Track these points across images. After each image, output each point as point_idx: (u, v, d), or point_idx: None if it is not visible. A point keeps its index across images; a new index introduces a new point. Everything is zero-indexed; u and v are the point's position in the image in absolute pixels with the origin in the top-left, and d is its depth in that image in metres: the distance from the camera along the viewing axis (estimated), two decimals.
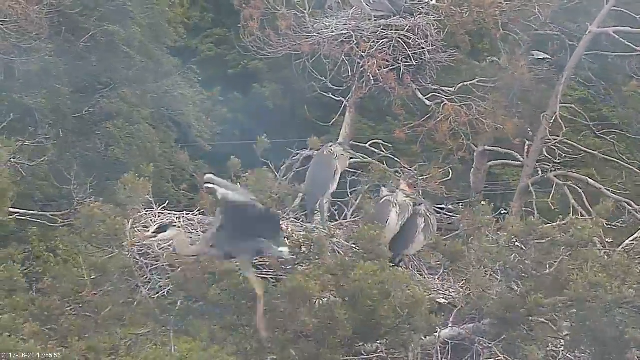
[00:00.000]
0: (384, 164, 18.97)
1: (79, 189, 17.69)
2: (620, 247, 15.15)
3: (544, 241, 13.89)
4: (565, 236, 13.93)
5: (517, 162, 20.78)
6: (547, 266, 13.89)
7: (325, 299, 12.95)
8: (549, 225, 14.44)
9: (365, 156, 18.84)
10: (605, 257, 14.29)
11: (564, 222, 14.40)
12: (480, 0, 18.88)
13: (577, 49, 19.51)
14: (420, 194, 18.00)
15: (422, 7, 19.39)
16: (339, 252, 13.98)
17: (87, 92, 22.56)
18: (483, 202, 15.92)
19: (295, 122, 25.25)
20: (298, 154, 17.40)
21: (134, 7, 22.20)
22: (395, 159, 19.08)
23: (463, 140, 19.39)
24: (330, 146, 15.83)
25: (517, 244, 14.05)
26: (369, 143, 19.49)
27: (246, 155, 16.66)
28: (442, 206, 18.50)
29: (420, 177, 18.55)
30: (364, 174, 17.32)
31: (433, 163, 19.38)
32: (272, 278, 13.63)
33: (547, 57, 20.24)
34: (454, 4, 19.19)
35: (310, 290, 12.68)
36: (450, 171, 19.64)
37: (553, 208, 18.89)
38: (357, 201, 16.19)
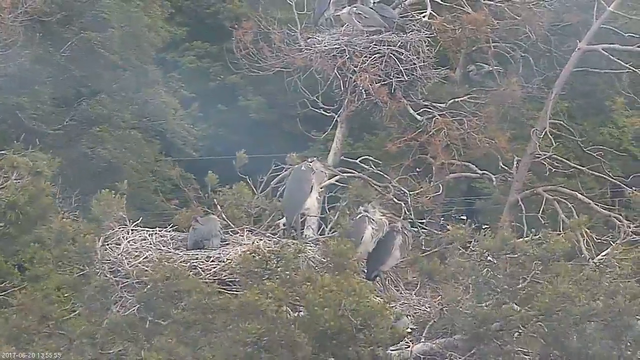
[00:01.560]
0: (372, 180, 19.19)
1: (64, 202, 17.57)
2: (593, 260, 15.32)
3: (516, 255, 13.99)
4: (537, 250, 14.03)
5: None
6: (521, 280, 13.97)
7: (281, 314, 12.96)
8: (520, 239, 14.55)
9: (352, 171, 19.04)
10: (580, 270, 14.40)
11: (536, 236, 14.51)
12: (473, 17, 19.03)
13: (566, 65, 19.70)
14: (410, 210, 18.24)
15: (413, 24, 19.55)
16: (310, 266, 14.04)
17: (67, 101, 22.43)
18: (462, 217, 16.01)
19: (282, 136, 25.28)
20: (278, 169, 17.43)
21: (111, 14, 22.10)
22: (385, 175, 19.23)
23: (455, 154, 19.53)
24: (310, 162, 15.82)
25: (489, 258, 14.09)
26: (359, 159, 19.62)
27: (229, 169, 16.71)
28: (424, 221, 18.70)
29: (411, 193, 18.74)
30: (342, 190, 17.41)
31: (422, 180, 19.49)
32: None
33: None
34: (446, 21, 19.35)
35: (262, 306, 12.66)
36: (441, 187, 19.87)
37: (543, 223, 19.01)
38: (335, 217, 16.25)
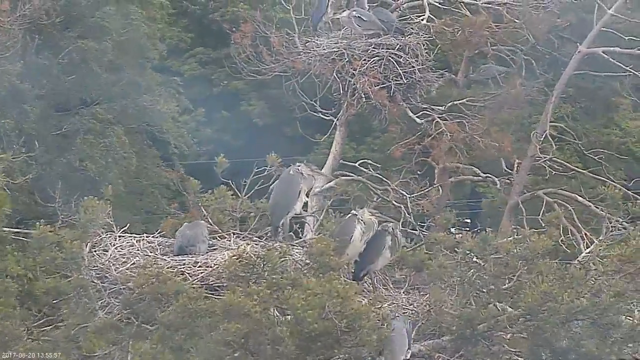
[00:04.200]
0: (372, 183, 19.14)
1: (64, 207, 17.54)
2: (577, 259, 15.18)
3: (500, 255, 13.92)
4: (520, 249, 13.93)
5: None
6: (506, 280, 13.90)
7: (267, 316, 12.86)
8: (503, 240, 14.47)
9: (351, 174, 18.98)
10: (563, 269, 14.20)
11: (519, 235, 14.46)
12: (472, 20, 18.98)
13: (566, 68, 19.63)
14: (410, 213, 18.20)
15: (412, 27, 19.52)
16: (297, 269, 13.88)
17: (63, 108, 22.40)
18: (465, 220, 15.94)
19: (284, 139, 25.26)
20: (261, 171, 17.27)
21: (110, 22, 22.10)
22: (384, 178, 19.18)
23: (459, 157, 19.49)
24: (298, 166, 15.78)
25: (474, 259, 14.02)
26: (358, 163, 19.57)
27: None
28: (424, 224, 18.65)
29: (411, 196, 18.70)
30: (327, 192, 17.36)
31: (424, 183, 19.45)
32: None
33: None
34: (445, 24, 19.31)
35: (245, 308, 12.56)
36: (441, 190, 19.83)
37: (543, 225, 18.91)
38: (320, 218, 16.22)
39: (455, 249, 14.42)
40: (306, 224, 16.60)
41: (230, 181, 15.80)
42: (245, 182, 15.69)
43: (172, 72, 27.58)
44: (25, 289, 14.50)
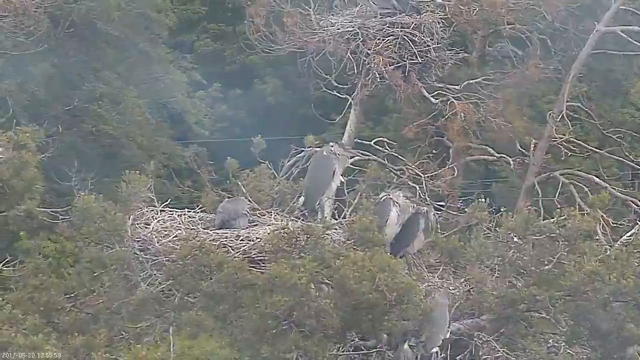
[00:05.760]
0: (388, 162, 19.03)
1: (80, 184, 17.49)
2: (619, 241, 15.16)
3: (541, 236, 13.90)
4: (562, 230, 13.95)
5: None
6: (547, 261, 13.88)
7: (313, 290, 12.93)
8: (546, 220, 14.44)
9: (368, 153, 18.87)
10: (605, 250, 14.29)
11: (561, 216, 14.38)
12: None
13: (584, 48, 19.44)
14: (426, 192, 18.11)
15: (427, 5, 19.33)
16: (334, 244, 13.91)
17: (75, 82, 22.34)
18: (481, 199, 15.86)
19: (297, 119, 25.12)
20: (300, 152, 17.30)
21: None
22: (400, 157, 19.07)
23: (472, 137, 19.36)
24: (331, 146, 15.73)
25: (515, 239, 14.04)
26: (373, 141, 19.46)
27: (247, 152, 16.61)
28: (443, 204, 18.54)
29: (427, 176, 18.59)
30: (361, 174, 17.27)
31: (439, 163, 19.34)
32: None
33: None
34: (461, 3, 19.10)
35: (292, 280, 12.65)
36: (456, 170, 19.70)
37: (559, 207, 18.78)
38: (355, 200, 16.09)
39: (493, 228, 14.46)
40: (325, 205, 16.56)
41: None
42: (282, 162, 16.15)
43: (185, 48, 27.46)
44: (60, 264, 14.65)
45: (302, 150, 17.16)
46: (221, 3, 28.71)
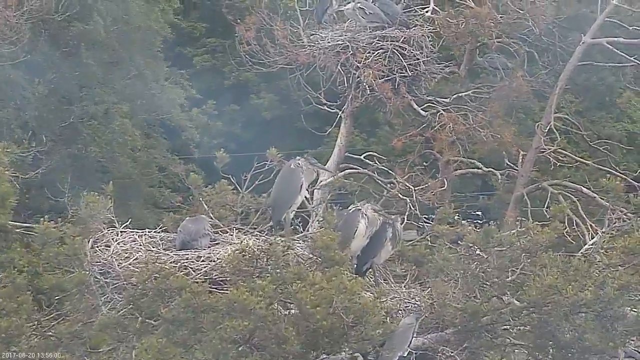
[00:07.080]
0: (377, 176, 19.16)
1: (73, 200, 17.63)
2: (580, 251, 15.06)
3: (503, 248, 13.87)
4: (523, 242, 13.88)
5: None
6: (509, 273, 13.82)
7: (271, 312, 12.79)
8: (506, 232, 14.41)
9: (357, 168, 18.96)
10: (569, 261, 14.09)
11: (522, 228, 14.33)
12: (476, 12, 18.96)
13: (571, 59, 19.60)
14: (415, 205, 18.22)
15: (417, 19, 19.52)
16: (300, 263, 13.74)
17: (68, 101, 22.52)
18: (476, 213, 15.93)
19: (294, 133, 25.26)
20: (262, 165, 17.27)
21: (113, 10, 22.18)
22: (390, 171, 19.19)
23: (460, 150, 19.51)
24: (298, 160, 15.80)
25: (477, 252, 14.01)
26: (363, 155, 19.59)
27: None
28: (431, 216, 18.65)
29: (416, 188, 18.72)
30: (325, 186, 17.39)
31: (429, 176, 19.47)
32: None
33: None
34: (449, 16, 19.29)
35: (251, 304, 12.49)
36: (446, 182, 19.83)
37: (548, 217, 18.90)
38: (320, 212, 16.24)
39: (459, 242, 14.42)
40: (311, 218, 16.62)
41: (242, 175, 15.82)
42: (245, 176, 15.64)
43: (182, 63, 27.65)
44: (33, 284, 14.65)
45: (266, 164, 17.12)
46: (220, 18, 28.95)
